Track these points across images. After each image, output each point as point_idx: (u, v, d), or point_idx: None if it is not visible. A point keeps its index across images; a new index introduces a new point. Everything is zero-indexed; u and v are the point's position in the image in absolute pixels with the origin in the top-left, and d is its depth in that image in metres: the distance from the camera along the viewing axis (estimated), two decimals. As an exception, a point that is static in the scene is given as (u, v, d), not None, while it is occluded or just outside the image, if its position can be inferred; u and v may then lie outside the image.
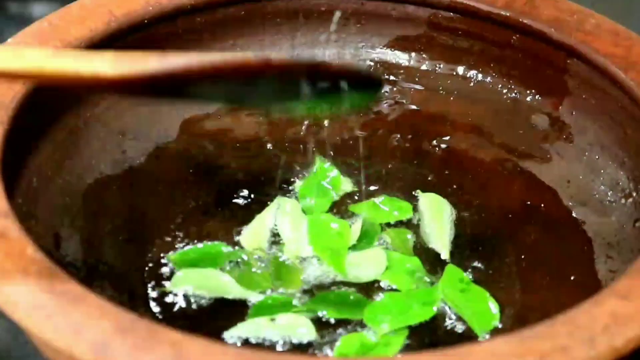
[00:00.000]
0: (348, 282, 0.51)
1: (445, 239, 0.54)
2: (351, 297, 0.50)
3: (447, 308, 0.50)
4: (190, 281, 0.50)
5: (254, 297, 0.50)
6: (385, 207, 0.55)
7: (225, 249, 0.52)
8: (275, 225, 0.54)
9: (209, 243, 0.53)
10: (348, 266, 0.52)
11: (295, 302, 0.50)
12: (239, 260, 0.52)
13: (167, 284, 0.51)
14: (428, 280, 0.52)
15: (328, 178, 0.56)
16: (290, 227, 0.53)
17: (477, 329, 0.49)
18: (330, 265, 0.52)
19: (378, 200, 0.55)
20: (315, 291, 0.51)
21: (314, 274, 0.51)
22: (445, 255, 0.53)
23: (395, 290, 0.51)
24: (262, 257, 0.52)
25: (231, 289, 0.50)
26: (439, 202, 0.55)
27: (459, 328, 0.50)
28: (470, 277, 0.52)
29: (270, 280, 0.51)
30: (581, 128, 0.56)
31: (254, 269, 0.52)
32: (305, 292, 0.51)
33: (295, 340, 0.48)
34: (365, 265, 0.52)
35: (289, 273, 0.51)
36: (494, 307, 0.50)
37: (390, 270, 0.52)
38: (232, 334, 0.48)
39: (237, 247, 0.53)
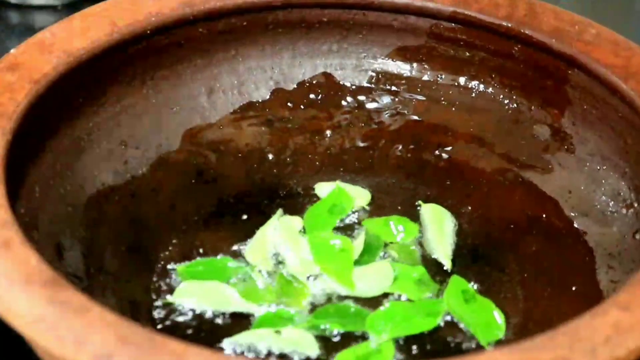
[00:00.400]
0: (355, 296, 0.51)
1: (448, 249, 0.54)
2: (352, 310, 0.50)
3: (451, 318, 0.50)
4: (194, 293, 0.50)
5: (257, 311, 0.50)
6: (393, 227, 0.55)
7: (232, 263, 0.52)
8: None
9: (217, 257, 0.53)
10: (355, 281, 0.52)
11: (298, 317, 0.50)
12: (244, 274, 0.52)
13: (169, 295, 0.51)
14: (435, 288, 0.52)
15: (340, 203, 0.56)
16: (291, 247, 0.53)
17: (482, 339, 0.49)
18: (338, 282, 0.51)
19: (389, 218, 0.55)
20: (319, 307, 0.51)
21: (320, 290, 0.51)
22: (447, 265, 0.53)
23: (403, 300, 0.51)
24: (268, 271, 0.52)
25: (235, 303, 0.50)
26: (440, 213, 0.55)
27: (462, 338, 0.50)
28: (475, 287, 0.52)
29: (274, 295, 0.51)
30: (582, 138, 0.56)
31: (258, 283, 0.52)
32: (310, 308, 0.51)
33: (297, 355, 0.48)
34: (372, 278, 0.52)
35: (294, 289, 0.51)
36: (499, 317, 0.50)
37: (397, 281, 0.52)
38: (234, 342, 0.48)
39: (242, 261, 0.53)
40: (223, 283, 0.51)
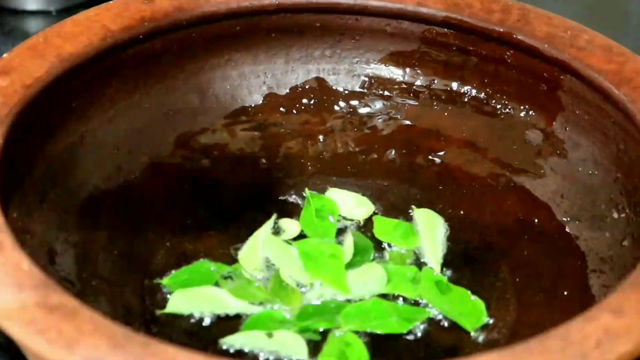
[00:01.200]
0: (351, 300, 0.51)
1: (438, 255, 0.54)
2: (332, 305, 0.50)
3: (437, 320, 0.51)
4: (187, 301, 0.50)
5: (251, 311, 0.50)
6: (398, 233, 0.55)
7: (214, 265, 0.52)
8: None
9: (198, 261, 0.52)
10: (350, 285, 0.52)
11: (288, 319, 0.50)
12: (231, 273, 0.52)
13: (163, 301, 0.50)
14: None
15: (323, 207, 0.56)
16: (281, 254, 0.53)
17: (467, 326, 0.50)
18: (333, 288, 0.51)
19: (399, 223, 0.55)
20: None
21: (314, 294, 0.51)
22: (437, 270, 0.53)
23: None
24: (261, 275, 0.52)
25: (229, 304, 0.50)
26: (432, 218, 0.55)
27: (450, 336, 0.50)
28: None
29: (265, 293, 0.51)
30: (575, 143, 0.56)
31: (249, 282, 0.51)
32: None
33: (286, 358, 0.48)
34: (366, 281, 0.52)
35: (287, 293, 0.51)
36: (478, 302, 0.51)
37: (392, 282, 0.52)
38: (227, 343, 0.48)
39: (224, 261, 0.53)
40: (212, 286, 0.51)
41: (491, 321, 0.50)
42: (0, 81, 0.50)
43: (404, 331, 0.49)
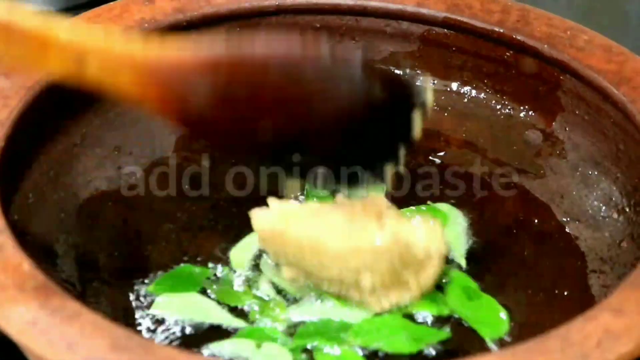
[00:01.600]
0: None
1: (461, 248, 0.53)
2: (334, 324, 0.49)
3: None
4: (171, 307, 0.49)
5: (234, 324, 0.49)
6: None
7: (197, 269, 0.52)
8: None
9: (180, 266, 0.52)
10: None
11: (280, 335, 0.49)
12: (217, 276, 0.51)
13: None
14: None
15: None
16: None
17: (486, 335, 0.49)
18: (335, 301, 0.51)
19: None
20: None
21: (300, 309, 0.51)
22: (462, 263, 0.52)
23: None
24: (247, 276, 0.52)
25: (215, 315, 0.49)
26: (451, 212, 0.55)
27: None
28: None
29: (251, 295, 0.50)
30: (574, 144, 0.56)
31: (235, 285, 0.51)
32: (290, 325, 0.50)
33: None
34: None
35: (272, 306, 0.50)
36: (503, 314, 0.50)
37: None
38: (214, 349, 0.48)
39: (205, 265, 0.52)
40: (197, 294, 0.50)
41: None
42: (2, 82, 0.50)
43: (413, 351, 0.48)
